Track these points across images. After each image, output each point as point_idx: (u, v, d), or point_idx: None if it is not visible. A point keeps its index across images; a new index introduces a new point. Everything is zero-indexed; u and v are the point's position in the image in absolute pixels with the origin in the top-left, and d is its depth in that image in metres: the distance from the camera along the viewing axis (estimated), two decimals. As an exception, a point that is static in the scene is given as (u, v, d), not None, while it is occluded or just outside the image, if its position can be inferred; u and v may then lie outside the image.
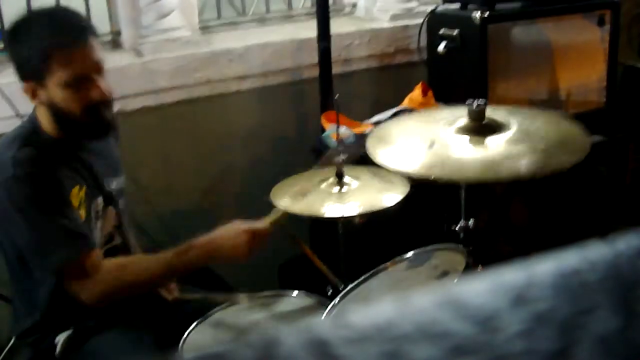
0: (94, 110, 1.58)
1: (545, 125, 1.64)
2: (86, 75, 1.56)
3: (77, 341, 1.64)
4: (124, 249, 1.74)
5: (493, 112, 1.65)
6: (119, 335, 1.64)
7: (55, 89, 1.54)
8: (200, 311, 1.67)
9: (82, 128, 1.61)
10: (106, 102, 1.61)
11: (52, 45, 1.53)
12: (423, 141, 1.60)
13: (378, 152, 1.61)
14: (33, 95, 1.57)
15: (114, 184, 1.73)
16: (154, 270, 1.61)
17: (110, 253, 1.68)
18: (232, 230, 1.62)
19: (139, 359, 1.52)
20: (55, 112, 1.58)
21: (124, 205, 1.78)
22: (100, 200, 1.68)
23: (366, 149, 1.62)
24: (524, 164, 1.49)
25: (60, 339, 1.64)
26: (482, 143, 1.57)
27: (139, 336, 1.66)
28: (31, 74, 1.56)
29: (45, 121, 1.61)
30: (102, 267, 1.57)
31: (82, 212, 1.61)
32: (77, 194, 1.60)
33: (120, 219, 1.75)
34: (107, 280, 1.57)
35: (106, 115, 1.62)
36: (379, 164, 1.59)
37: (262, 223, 1.65)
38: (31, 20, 1.60)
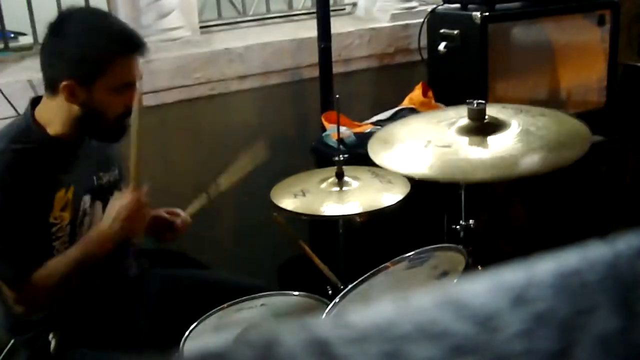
0: (125, 116, 1.61)
1: (546, 123, 1.64)
2: (133, 83, 1.61)
3: (70, 338, 1.64)
4: None
5: (494, 111, 1.65)
6: (113, 334, 1.65)
7: (102, 91, 1.56)
8: (194, 308, 1.67)
9: (106, 132, 1.64)
10: (132, 108, 1.63)
11: (119, 51, 1.56)
12: (423, 142, 1.60)
13: (379, 154, 1.61)
14: (70, 93, 1.55)
15: (105, 178, 1.73)
16: (64, 267, 1.59)
17: None
18: (113, 211, 1.60)
19: (138, 358, 1.52)
20: (89, 114, 1.58)
21: None
22: (87, 197, 1.68)
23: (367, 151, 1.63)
24: (530, 162, 1.49)
25: (54, 336, 1.64)
26: (483, 143, 1.57)
27: (132, 335, 1.66)
28: (80, 73, 1.55)
29: (56, 120, 1.60)
30: (31, 283, 1.57)
31: (67, 214, 1.62)
32: (62, 197, 1.60)
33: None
34: (35, 292, 1.57)
35: (126, 121, 1.65)
36: (381, 165, 1.59)
37: (135, 193, 1.63)
38: (84, 18, 1.60)
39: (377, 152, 1.64)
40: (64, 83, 1.54)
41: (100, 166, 1.72)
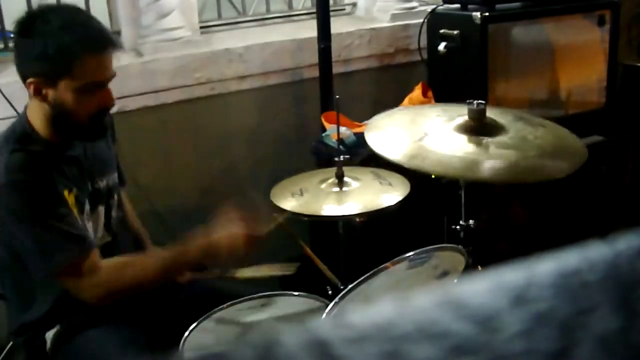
0: (98, 116, 1.59)
1: (544, 134, 1.65)
2: (103, 82, 1.57)
3: (67, 335, 1.64)
4: (113, 246, 1.74)
5: (496, 115, 1.66)
6: (110, 330, 1.65)
7: (67, 91, 1.52)
8: (194, 308, 1.68)
9: (81, 131, 1.61)
10: (109, 108, 1.62)
11: (84, 49, 1.51)
12: (416, 133, 1.62)
13: (373, 138, 1.63)
14: (36, 92, 1.53)
15: (103, 183, 1.72)
16: (152, 270, 1.62)
17: (100, 251, 1.68)
18: (231, 234, 1.62)
19: (138, 358, 1.53)
20: (59, 113, 1.55)
21: (115, 202, 1.77)
22: (87, 202, 1.67)
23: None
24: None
25: (50, 334, 1.64)
26: (477, 143, 1.58)
27: (129, 331, 1.66)
28: (45, 71, 1.52)
29: (38, 121, 1.58)
30: (101, 268, 1.57)
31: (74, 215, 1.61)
32: (68, 197, 1.60)
33: (110, 216, 1.74)
34: (107, 280, 1.58)
35: (105, 120, 1.63)
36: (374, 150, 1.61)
37: (260, 230, 1.66)
38: (53, 16, 1.55)
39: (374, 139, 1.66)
40: (29, 80, 1.52)
41: (97, 171, 1.71)
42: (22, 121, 1.61)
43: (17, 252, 1.57)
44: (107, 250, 1.68)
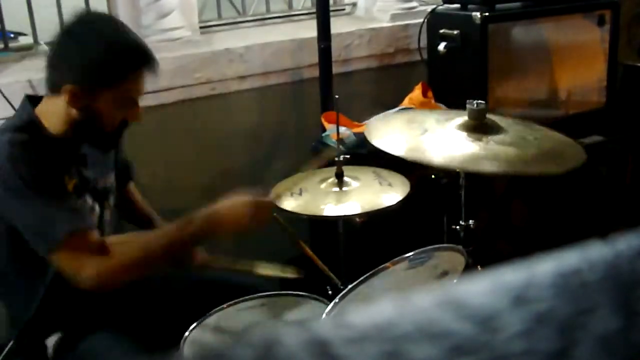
0: (120, 128, 1.61)
1: (542, 138, 1.66)
2: (137, 98, 1.60)
3: (69, 341, 1.63)
4: None
5: (496, 119, 1.67)
6: (112, 336, 1.64)
7: (104, 102, 1.54)
8: (194, 307, 1.67)
9: (100, 140, 1.62)
10: (132, 123, 1.64)
11: (136, 65, 1.54)
12: (417, 130, 1.63)
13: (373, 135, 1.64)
14: (73, 98, 1.52)
15: (101, 183, 1.72)
16: (155, 244, 1.58)
17: None
18: (235, 202, 1.60)
19: (139, 358, 1.52)
20: (86, 120, 1.55)
21: (109, 205, 1.77)
22: (89, 196, 1.67)
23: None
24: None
25: (52, 340, 1.63)
26: (478, 139, 1.59)
27: (132, 336, 1.66)
28: (87, 81, 1.52)
29: (53, 118, 1.58)
30: (104, 243, 1.54)
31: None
32: (69, 182, 1.58)
33: (103, 218, 1.74)
34: (110, 257, 1.53)
35: (122, 134, 1.65)
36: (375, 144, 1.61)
37: (267, 196, 1.64)
38: (103, 28, 1.57)
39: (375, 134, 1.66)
40: (67, 87, 1.51)
41: (97, 171, 1.71)
42: (28, 114, 1.59)
43: (18, 232, 1.53)
44: None
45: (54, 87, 1.56)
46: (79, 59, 1.53)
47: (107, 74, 1.52)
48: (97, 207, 1.70)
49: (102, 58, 1.52)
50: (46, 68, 1.58)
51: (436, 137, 1.60)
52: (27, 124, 1.57)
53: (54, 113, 1.57)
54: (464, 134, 1.60)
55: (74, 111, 1.55)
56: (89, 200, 1.67)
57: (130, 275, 1.56)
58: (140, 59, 1.56)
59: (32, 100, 1.63)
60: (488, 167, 1.54)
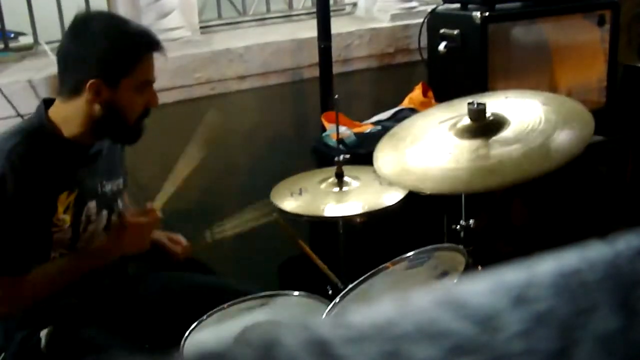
0: (144, 116, 1.65)
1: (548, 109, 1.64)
2: (152, 80, 1.64)
3: (61, 334, 1.63)
4: None
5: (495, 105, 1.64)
6: (107, 329, 1.65)
7: (126, 90, 1.58)
8: (194, 307, 1.68)
9: (125, 132, 1.65)
10: (152, 108, 1.67)
11: (143, 49, 1.60)
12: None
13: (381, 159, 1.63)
14: (96, 93, 1.57)
15: (109, 187, 1.73)
16: (57, 272, 1.62)
17: None
18: (120, 231, 1.64)
19: (137, 357, 1.52)
20: (110, 113, 1.59)
21: (117, 208, 1.77)
22: (93, 204, 1.67)
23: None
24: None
25: (44, 332, 1.64)
26: (481, 146, 1.57)
27: (127, 330, 1.66)
28: (107, 73, 1.57)
29: (68, 122, 1.60)
30: (22, 285, 1.57)
31: (68, 217, 1.61)
32: (64, 200, 1.60)
33: (111, 220, 1.74)
34: (22, 291, 1.58)
35: (144, 124, 1.68)
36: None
37: (150, 209, 1.68)
38: (107, 21, 1.63)
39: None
40: (90, 82, 1.55)
41: (105, 174, 1.73)
42: (40, 119, 1.61)
43: None
44: None
45: (74, 88, 1.57)
46: (94, 53, 1.57)
47: (124, 60, 1.57)
48: (104, 213, 1.71)
49: (116, 46, 1.57)
50: (60, 74, 1.61)
51: (438, 156, 1.58)
52: (36, 129, 1.59)
53: (71, 115, 1.59)
54: (466, 142, 1.58)
55: (96, 108, 1.58)
56: (94, 207, 1.68)
57: (35, 299, 1.61)
58: (149, 41, 1.62)
59: (48, 104, 1.64)
60: (494, 181, 1.52)
